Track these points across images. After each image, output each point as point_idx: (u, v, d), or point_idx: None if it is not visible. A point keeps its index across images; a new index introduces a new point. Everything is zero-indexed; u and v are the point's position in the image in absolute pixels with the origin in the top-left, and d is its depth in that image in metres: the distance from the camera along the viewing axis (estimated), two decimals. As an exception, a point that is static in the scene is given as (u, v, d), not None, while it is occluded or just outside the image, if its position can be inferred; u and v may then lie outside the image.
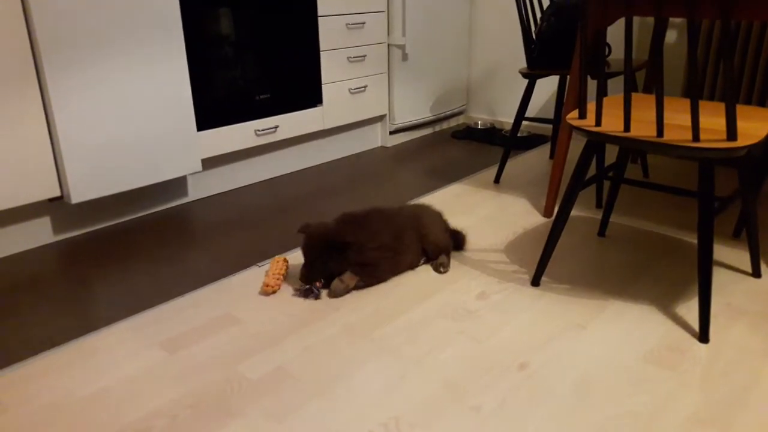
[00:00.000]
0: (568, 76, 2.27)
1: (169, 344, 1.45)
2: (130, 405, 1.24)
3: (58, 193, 1.92)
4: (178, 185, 2.33)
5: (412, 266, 1.78)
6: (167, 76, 2.06)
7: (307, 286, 1.63)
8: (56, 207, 2.02)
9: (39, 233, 2.00)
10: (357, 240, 1.63)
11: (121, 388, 1.30)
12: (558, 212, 1.62)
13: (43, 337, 1.49)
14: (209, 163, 2.40)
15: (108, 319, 1.56)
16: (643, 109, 1.62)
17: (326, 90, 2.66)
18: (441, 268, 1.76)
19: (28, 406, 1.25)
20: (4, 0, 1.69)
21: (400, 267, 1.74)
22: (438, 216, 1.86)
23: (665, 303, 1.57)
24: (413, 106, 3.09)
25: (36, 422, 1.20)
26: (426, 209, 1.85)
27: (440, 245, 1.79)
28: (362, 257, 1.64)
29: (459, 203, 2.27)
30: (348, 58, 2.72)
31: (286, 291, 1.67)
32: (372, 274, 1.67)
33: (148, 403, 1.25)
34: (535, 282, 1.67)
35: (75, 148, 1.88)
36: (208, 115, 2.27)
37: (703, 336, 1.41)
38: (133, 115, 2.00)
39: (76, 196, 1.92)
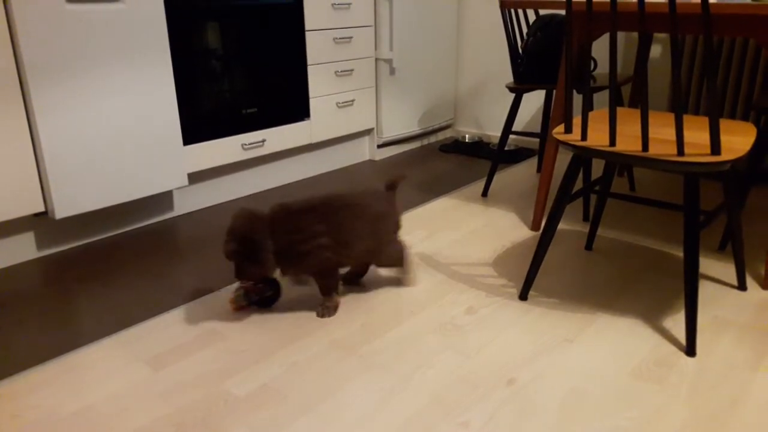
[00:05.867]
0: (554, 91, 2.29)
1: (155, 361, 1.43)
2: (116, 423, 1.22)
3: (42, 209, 1.90)
4: (163, 200, 2.31)
5: (367, 260, 1.67)
6: (153, 90, 2.05)
7: (239, 287, 1.62)
8: (40, 222, 2.00)
9: (23, 249, 1.98)
10: (277, 235, 1.50)
11: (106, 406, 1.27)
12: (545, 226, 1.62)
13: (27, 354, 1.47)
14: (196, 178, 2.39)
15: (92, 335, 1.54)
16: (629, 123, 1.64)
17: (314, 104, 2.66)
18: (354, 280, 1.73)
19: (13, 424, 1.22)
20: (-12, 14, 1.68)
21: (350, 257, 1.59)
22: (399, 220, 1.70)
23: (652, 317, 1.57)
24: (401, 120, 3.10)
25: (16, 443, 1.18)
26: (389, 203, 1.65)
27: (397, 255, 1.67)
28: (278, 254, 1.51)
29: (447, 217, 2.27)
30: (335, 72, 2.72)
31: (270, 308, 1.66)
32: (305, 268, 1.56)
33: (134, 422, 1.23)
34: (523, 296, 1.67)
35: (59, 164, 1.87)
36: (194, 129, 2.26)
37: (690, 349, 1.41)
38: (118, 130, 1.99)
39: (61, 212, 1.90)
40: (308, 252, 1.52)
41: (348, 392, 1.30)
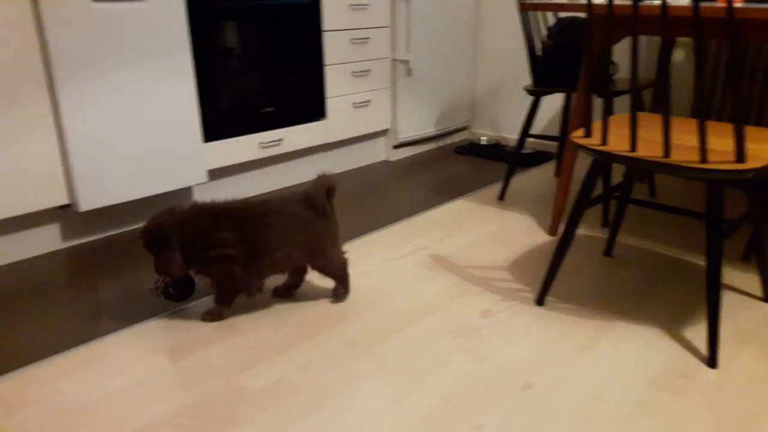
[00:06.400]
0: (574, 94, 2.28)
1: (174, 352, 1.44)
2: (135, 412, 1.24)
3: (67, 201, 1.93)
4: (184, 195, 2.34)
5: (285, 269, 1.62)
6: (175, 88, 2.07)
7: (157, 281, 1.65)
8: (65, 214, 2.03)
9: (48, 240, 2.01)
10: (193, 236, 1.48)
11: (127, 394, 1.29)
12: (564, 231, 1.62)
13: (52, 341, 1.49)
14: (214, 174, 2.41)
15: (114, 325, 1.56)
16: (650, 128, 1.63)
17: (330, 104, 2.67)
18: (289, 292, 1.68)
19: (37, 409, 1.24)
20: (17, 15, 1.71)
21: (261, 270, 1.54)
22: (335, 225, 1.61)
23: (673, 326, 1.56)
24: (417, 121, 3.11)
25: (44, 425, 1.20)
26: (324, 208, 1.57)
27: (328, 265, 1.62)
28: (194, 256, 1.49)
29: (462, 219, 2.27)
30: (352, 72, 2.73)
31: (286, 302, 1.67)
32: (221, 289, 1.55)
33: (153, 411, 1.24)
34: (540, 301, 1.67)
35: (84, 158, 1.89)
36: (214, 127, 2.28)
37: (712, 361, 1.40)
38: (141, 126, 2.01)
39: (85, 204, 1.93)
40: (213, 259, 1.49)
41: (361, 390, 1.31)
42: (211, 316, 1.59)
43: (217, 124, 2.29)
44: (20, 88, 1.76)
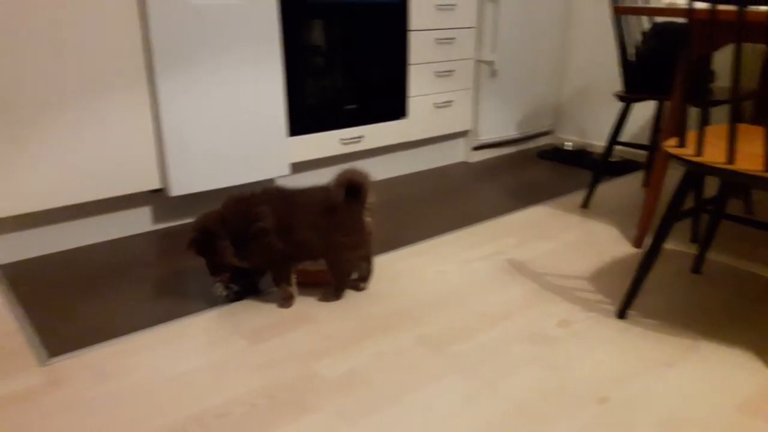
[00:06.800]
0: (667, 102, 2.19)
1: (252, 335, 1.50)
2: (213, 389, 1.30)
3: (159, 186, 2.04)
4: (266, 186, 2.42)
5: (311, 257, 1.63)
6: (265, 82, 2.15)
7: (217, 284, 1.65)
8: (157, 198, 2.15)
9: (139, 221, 2.13)
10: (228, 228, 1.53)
11: (205, 372, 1.36)
12: (651, 244, 1.56)
13: (139, 317, 1.58)
14: (296, 168, 2.48)
15: (198, 306, 1.64)
16: (750, 141, 1.54)
17: (412, 103, 2.69)
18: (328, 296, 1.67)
19: (124, 380, 1.33)
20: (125, 6, 1.82)
21: (294, 253, 1.59)
22: (362, 226, 1.61)
23: (763, 350, 1.47)
24: (499, 123, 3.07)
25: (129, 396, 1.27)
26: (353, 209, 1.59)
27: (336, 262, 1.61)
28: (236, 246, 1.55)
29: (541, 226, 2.22)
30: (435, 72, 2.73)
31: (361, 296, 1.69)
32: (252, 254, 1.57)
33: (229, 390, 1.30)
34: (621, 314, 1.61)
35: (178, 145, 2.00)
36: (298, 122, 2.35)
37: (805, 389, 1.31)
38: (232, 118, 2.10)
39: (176, 190, 2.03)
40: (253, 235, 1.53)
41: (432, 389, 1.31)
42: (282, 301, 1.64)
43: (302, 119, 2.36)
44: (123, 77, 1.88)
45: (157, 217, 2.17)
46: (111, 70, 1.85)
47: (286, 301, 1.64)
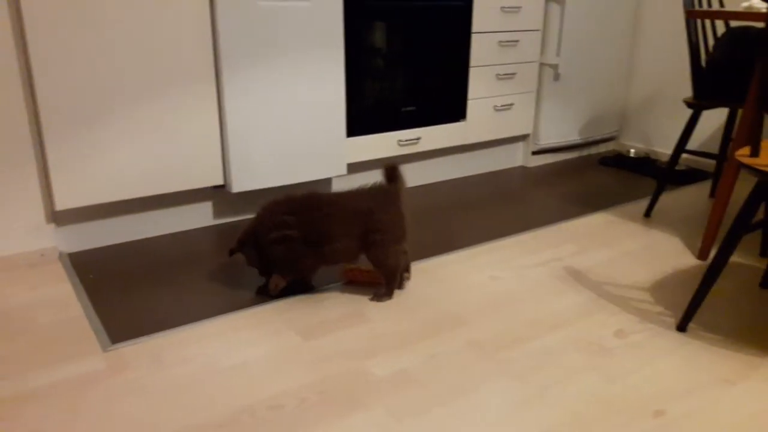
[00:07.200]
0: (740, 110, 2.09)
1: (306, 331, 1.53)
2: (266, 382, 1.33)
3: (221, 182, 2.10)
4: (323, 186, 2.46)
5: (348, 259, 1.66)
6: (327, 84, 2.18)
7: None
8: (218, 194, 2.22)
9: (201, 216, 2.21)
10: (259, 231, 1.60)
11: (259, 365, 1.39)
12: (716, 256, 1.50)
13: (199, 308, 1.64)
14: (353, 168, 2.50)
15: (254, 300, 1.69)
16: (832, 152, 1.46)
17: (471, 105, 2.67)
18: (375, 298, 1.68)
19: (181, 368, 1.38)
20: (195, 7, 1.89)
21: (324, 261, 1.64)
22: (399, 219, 1.63)
23: (836, 372, 1.39)
24: (560, 128, 3.01)
25: (185, 384, 1.32)
26: (390, 200, 1.63)
27: (380, 260, 1.63)
28: (268, 250, 1.61)
29: (602, 234, 2.17)
30: (497, 75, 2.71)
31: (414, 298, 1.70)
32: (282, 269, 1.64)
33: (281, 383, 1.33)
34: (682, 327, 1.56)
35: (240, 143, 2.06)
36: (357, 123, 2.37)
37: None
38: (293, 118, 2.14)
39: (237, 186, 2.09)
40: (275, 239, 1.58)
41: (484, 393, 1.30)
42: (270, 287, 1.67)
43: (360, 119, 2.38)
44: (192, 76, 1.95)
45: (218, 213, 2.24)
46: (181, 69, 1.92)
47: (271, 289, 1.67)
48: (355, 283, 1.76)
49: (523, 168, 3.00)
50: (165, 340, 1.49)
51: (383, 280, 1.67)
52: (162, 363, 1.40)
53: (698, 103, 2.17)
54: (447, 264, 1.92)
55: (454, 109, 2.64)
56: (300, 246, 1.60)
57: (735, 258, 1.98)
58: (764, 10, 1.76)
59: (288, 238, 1.59)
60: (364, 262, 1.70)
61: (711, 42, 2.83)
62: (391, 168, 1.66)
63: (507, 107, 2.79)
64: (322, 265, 1.67)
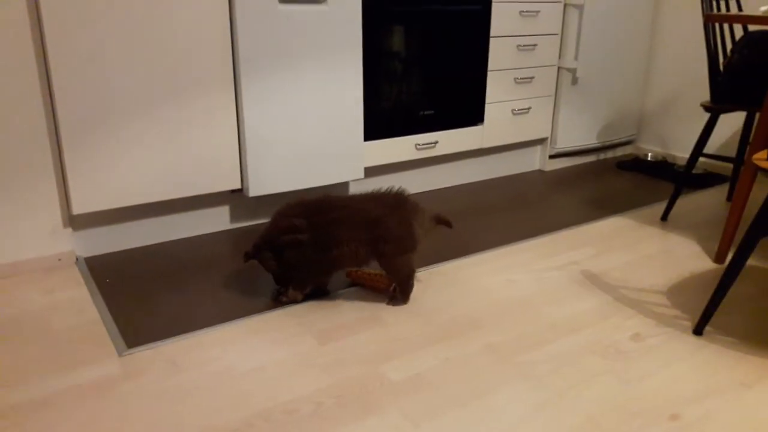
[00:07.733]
0: (758, 114, 2.08)
1: (321, 335, 1.55)
2: (282, 386, 1.35)
3: (238, 186, 2.13)
4: (341, 190, 2.48)
5: (356, 264, 1.65)
6: (345, 88, 2.20)
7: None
8: (235, 198, 2.25)
9: (218, 220, 2.24)
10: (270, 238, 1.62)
11: (275, 369, 1.41)
12: (733, 259, 1.49)
13: (215, 312, 1.67)
14: (369, 172, 2.52)
15: (270, 304, 1.71)
16: None
17: (489, 109, 2.68)
18: (390, 302, 1.69)
19: (197, 372, 1.40)
20: (214, 11, 1.93)
21: (333, 265, 1.64)
22: (409, 223, 1.63)
23: None
24: (578, 132, 3.00)
25: (201, 387, 1.35)
26: (400, 209, 1.63)
27: (393, 270, 1.65)
28: (282, 259, 1.62)
29: (619, 237, 2.16)
30: (515, 78, 2.71)
31: (431, 302, 1.71)
32: (295, 275, 1.66)
33: (297, 388, 1.34)
34: (698, 331, 1.55)
35: (257, 147, 2.08)
36: (374, 127, 2.39)
37: None
38: (309, 122, 2.17)
39: (254, 190, 2.12)
40: (286, 243, 1.59)
41: (500, 397, 1.31)
42: (286, 299, 1.69)
43: (377, 123, 2.40)
44: (210, 80, 1.98)
45: (235, 217, 2.27)
46: (200, 73, 1.95)
47: (288, 300, 1.69)
48: (358, 285, 1.77)
49: (540, 172, 2.99)
50: (181, 345, 1.51)
51: (398, 287, 1.68)
52: (178, 367, 1.42)
53: (716, 107, 2.16)
54: (464, 267, 1.93)
55: (471, 113, 2.64)
56: (310, 250, 1.60)
57: (752, 261, 1.96)
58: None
59: (299, 243, 1.60)
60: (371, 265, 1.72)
61: (729, 46, 2.81)
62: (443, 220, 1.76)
63: (525, 111, 2.80)
64: (334, 269, 1.68)
